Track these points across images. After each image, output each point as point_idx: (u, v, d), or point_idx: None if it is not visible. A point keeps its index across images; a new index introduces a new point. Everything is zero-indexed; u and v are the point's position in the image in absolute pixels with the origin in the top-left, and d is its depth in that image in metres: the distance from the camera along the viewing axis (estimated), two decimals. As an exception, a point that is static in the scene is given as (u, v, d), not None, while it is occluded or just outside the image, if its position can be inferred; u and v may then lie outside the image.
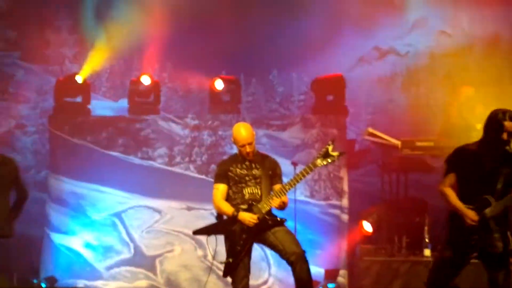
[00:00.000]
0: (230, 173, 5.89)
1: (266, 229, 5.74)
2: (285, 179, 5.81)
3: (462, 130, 7.80)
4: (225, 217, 5.83)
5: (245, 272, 5.81)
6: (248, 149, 5.75)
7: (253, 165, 5.86)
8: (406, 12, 10.43)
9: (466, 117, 8.04)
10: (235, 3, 10.03)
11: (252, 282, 6.19)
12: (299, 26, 9.83)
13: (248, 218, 5.62)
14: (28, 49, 10.61)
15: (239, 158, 5.92)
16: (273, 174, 5.90)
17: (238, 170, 5.87)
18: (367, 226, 8.31)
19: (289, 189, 5.69)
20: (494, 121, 4.69)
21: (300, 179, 5.67)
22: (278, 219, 5.77)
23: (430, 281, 4.97)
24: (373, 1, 10.25)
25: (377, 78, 10.33)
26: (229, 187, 5.84)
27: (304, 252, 5.74)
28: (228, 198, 5.88)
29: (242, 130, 5.76)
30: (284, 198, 5.65)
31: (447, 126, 8.19)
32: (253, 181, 5.83)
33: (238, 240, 5.72)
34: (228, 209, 5.73)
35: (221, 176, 5.92)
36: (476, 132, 7.74)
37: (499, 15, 10.00)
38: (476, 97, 8.18)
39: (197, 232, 6.05)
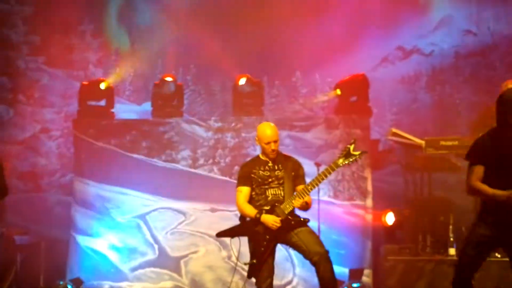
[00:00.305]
0: (253, 175, 5.93)
1: (289, 230, 5.76)
2: (308, 180, 5.78)
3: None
4: (248, 218, 5.90)
5: (269, 272, 5.86)
6: (273, 146, 5.79)
7: (276, 167, 5.90)
8: (430, 11, 10.44)
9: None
10: (258, 6, 10.10)
11: (276, 282, 6.24)
12: (321, 27, 9.89)
13: (271, 221, 5.64)
14: (52, 54, 10.74)
15: (262, 160, 5.97)
16: (296, 175, 5.91)
17: (261, 172, 5.90)
18: (390, 218, 8.28)
19: (311, 189, 5.69)
20: (508, 103, 4.69)
21: (323, 179, 5.67)
22: (301, 219, 5.78)
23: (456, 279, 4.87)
24: (396, 0, 10.26)
25: (401, 78, 10.34)
26: (252, 189, 5.90)
27: (327, 252, 5.76)
28: (251, 200, 5.92)
29: (268, 128, 5.81)
30: (307, 199, 5.62)
31: (481, 125, 8.08)
32: (276, 182, 5.86)
33: (262, 241, 5.75)
34: (251, 211, 5.75)
35: (244, 178, 5.94)
36: None
37: (524, 12, 9.99)
38: None
39: (220, 234, 6.08)
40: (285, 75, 10.45)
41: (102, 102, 9.35)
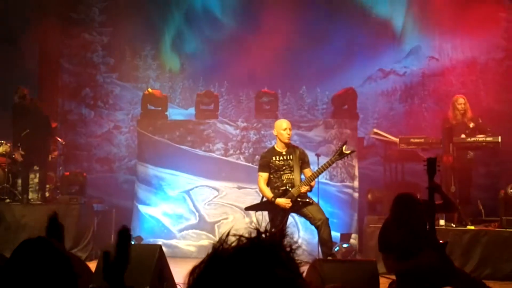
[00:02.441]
0: (271, 164, 5.90)
1: (298, 208, 5.80)
2: (312, 167, 5.97)
3: (459, 128, 7.64)
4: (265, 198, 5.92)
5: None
6: (289, 132, 5.87)
7: (288, 157, 5.89)
8: (403, 42, 10.31)
9: (460, 118, 7.82)
10: (275, 38, 10.01)
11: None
12: (322, 52, 9.82)
13: (283, 203, 5.72)
14: (123, 72, 10.79)
15: (277, 151, 5.94)
16: (303, 162, 5.95)
17: (277, 162, 5.90)
18: (371, 196, 8.16)
19: (314, 178, 5.83)
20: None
21: (322, 171, 5.89)
22: (306, 200, 5.82)
23: None
24: (378, 33, 10.15)
25: (381, 92, 10.22)
26: (270, 173, 5.89)
27: (327, 219, 5.75)
28: (270, 182, 5.93)
29: (284, 121, 6.08)
30: (312, 184, 5.81)
31: (448, 125, 7.96)
32: (288, 169, 5.87)
33: (277, 215, 5.79)
34: (269, 194, 5.80)
35: (264, 166, 5.95)
36: (469, 129, 7.62)
37: (475, 43, 9.79)
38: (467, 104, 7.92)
39: (248, 208, 6.14)
40: (294, 89, 10.39)
41: (159, 107, 9.35)
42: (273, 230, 4.18)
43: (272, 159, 5.92)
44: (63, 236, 2.14)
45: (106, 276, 1.95)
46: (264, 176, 5.93)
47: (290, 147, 5.99)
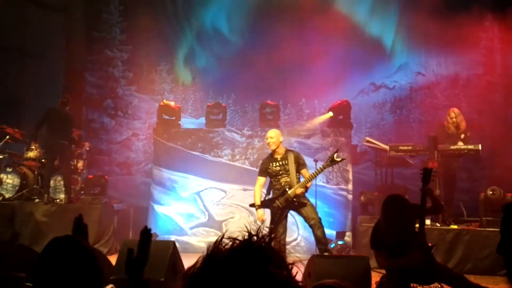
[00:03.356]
0: (269, 170, 5.94)
1: (294, 208, 5.81)
2: (310, 170, 5.95)
3: (451, 139, 7.61)
4: (269, 196, 5.92)
5: (283, 230, 5.85)
6: (269, 140, 6.04)
7: (283, 162, 5.93)
8: (393, 59, 10.35)
9: (454, 130, 7.78)
10: (278, 55, 10.05)
11: (286, 239, 6.26)
12: (319, 68, 9.82)
13: (258, 216, 5.89)
14: (141, 85, 10.84)
15: (273, 158, 5.98)
16: (298, 164, 5.96)
17: (274, 168, 5.93)
18: (363, 198, 8.14)
19: (309, 181, 5.84)
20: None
21: (316, 175, 5.89)
22: (302, 201, 5.84)
23: None
24: (370, 51, 10.17)
25: (373, 104, 10.24)
26: (271, 178, 5.93)
27: (320, 219, 5.74)
28: (271, 184, 5.96)
29: (268, 131, 6.20)
30: (308, 185, 5.81)
31: (442, 134, 7.90)
32: (285, 173, 5.89)
33: (276, 213, 5.80)
34: (257, 200, 5.98)
35: (262, 171, 6.01)
36: (460, 140, 7.57)
37: (458, 60, 9.82)
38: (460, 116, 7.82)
39: (252, 205, 6.15)
40: (294, 100, 10.42)
41: (173, 117, 9.37)
42: (271, 226, 4.17)
43: (269, 165, 5.97)
44: (87, 235, 2.17)
45: (128, 271, 1.98)
46: (261, 180, 6.00)
47: (284, 153, 6.01)
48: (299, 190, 5.77)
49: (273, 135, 6.04)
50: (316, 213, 5.84)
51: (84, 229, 2.23)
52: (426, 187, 4.63)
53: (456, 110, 7.80)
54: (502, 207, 4.33)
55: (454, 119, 7.69)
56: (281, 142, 6.01)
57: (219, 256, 1.06)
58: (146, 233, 2.03)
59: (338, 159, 5.86)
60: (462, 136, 7.64)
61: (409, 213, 4.56)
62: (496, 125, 8.63)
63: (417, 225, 4.62)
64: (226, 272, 1.03)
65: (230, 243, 1.06)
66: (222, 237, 1.10)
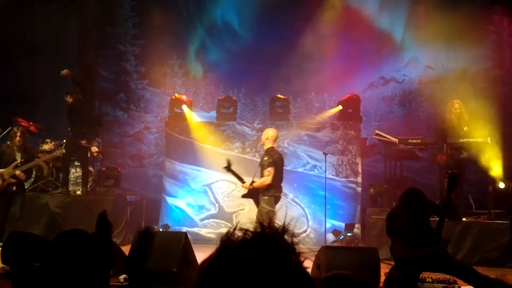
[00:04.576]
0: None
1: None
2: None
3: (454, 131, 7.53)
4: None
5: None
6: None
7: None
8: (403, 53, 10.23)
9: (457, 121, 7.71)
10: (287, 49, 10.02)
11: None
12: (329, 62, 9.74)
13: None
14: (153, 79, 10.84)
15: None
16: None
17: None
18: (374, 190, 8.10)
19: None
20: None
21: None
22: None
23: None
24: (380, 46, 10.07)
25: (382, 97, 10.15)
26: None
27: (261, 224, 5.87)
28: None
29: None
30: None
31: (445, 126, 7.84)
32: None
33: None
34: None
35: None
36: (463, 132, 7.51)
37: (466, 55, 9.68)
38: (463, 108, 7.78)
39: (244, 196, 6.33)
40: (304, 94, 10.35)
41: (185, 110, 9.36)
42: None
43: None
44: (111, 231, 2.10)
45: (127, 269, 1.94)
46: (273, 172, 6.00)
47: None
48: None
49: (264, 134, 6.27)
50: (258, 218, 5.79)
51: (108, 225, 2.17)
52: (450, 201, 4.55)
53: (459, 101, 7.74)
54: (508, 210, 4.32)
55: (458, 110, 7.62)
56: (267, 139, 6.02)
57: (232, 246, 1.04)
58: (146, 233, 1.98)
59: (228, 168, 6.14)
60: (465, 128, 7.56)
61: (427, 208, 4.58)
62: (504, 118, 8.50)
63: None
64: (239, 262, 1.02)
65: (242, 234, 1.04)
66: (235, 228, 1.08)
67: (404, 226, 4.44)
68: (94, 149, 8.19)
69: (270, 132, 6.17)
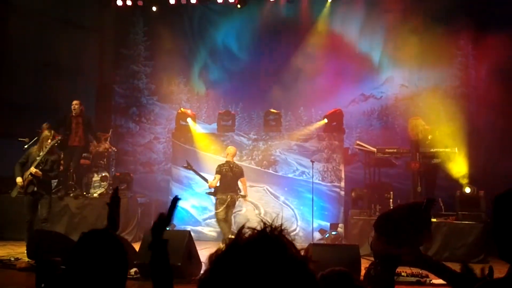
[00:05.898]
0: None
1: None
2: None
3: (423, 140, 7.64)
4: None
5: None
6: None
7: None
8: (380, 72, 10.28)
9: (421, 135, 7.80)
10: (280, 69, 10.08)
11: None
12: (316, 80, 9.82)
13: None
14: (162, 95, 10.87)
15: None
16: None
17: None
18: (355, 194, 8.10)
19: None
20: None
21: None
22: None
23: None
24: (360, 66, 10.13)
25: (363, 112, 10.18)
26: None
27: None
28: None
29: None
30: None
31: (415, 138, 7.92)
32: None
33: None
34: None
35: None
36: (428, 140, 7.61)
37: (436, 74, 9.76)
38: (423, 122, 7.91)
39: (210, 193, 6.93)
40: (294, 109, 10.40)
41: (189, 123, 9.37)
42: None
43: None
44: (119, 207, 2.21)
45: (153, 229, 2.00)
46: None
47: None
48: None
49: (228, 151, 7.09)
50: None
51: (117, 200, 2.28)
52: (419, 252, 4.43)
53: (419, 118, 7.85)
54: (493, 199, 4.25)
55: (425, 126, 7.72)
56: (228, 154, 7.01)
57: (241, 242, 1.07)
58: (175, 201, 2.06)
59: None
60: (430, 137, 7.68)
61: (420, 219, 4.50)
62: (469, 131, 8.56)
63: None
64: (248, 253, 1.04)
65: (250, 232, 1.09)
66: (243, 227, 1.11)
67: (398, 227, 4.38)
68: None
69: (231, 149, 7.02)
